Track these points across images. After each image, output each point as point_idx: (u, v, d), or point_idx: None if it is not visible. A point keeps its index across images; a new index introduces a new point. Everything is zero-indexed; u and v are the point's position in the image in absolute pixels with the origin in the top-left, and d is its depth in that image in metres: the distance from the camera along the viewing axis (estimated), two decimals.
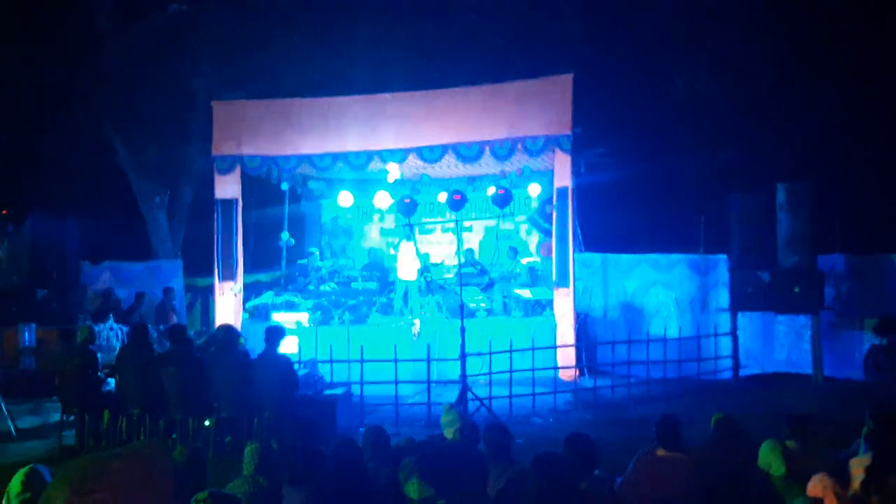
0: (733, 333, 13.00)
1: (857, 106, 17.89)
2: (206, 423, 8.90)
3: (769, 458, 5.58)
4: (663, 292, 14.17)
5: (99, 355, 9.82)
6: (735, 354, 12.93)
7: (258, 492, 4.91)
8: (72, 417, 9.38)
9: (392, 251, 15.14)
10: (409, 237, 14.00)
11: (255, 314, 13.94)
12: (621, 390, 12.10)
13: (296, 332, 12.78)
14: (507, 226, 16.51)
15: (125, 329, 12.73)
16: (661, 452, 5.67)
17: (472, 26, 19.23)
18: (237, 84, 17.70)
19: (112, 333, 13.00)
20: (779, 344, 13.29)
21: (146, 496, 3.18)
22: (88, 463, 3.64)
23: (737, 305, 12.82)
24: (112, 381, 9.42)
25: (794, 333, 13.01)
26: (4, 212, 15.77)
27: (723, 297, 13.44)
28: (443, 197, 14.92)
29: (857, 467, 5.11)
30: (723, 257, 13.54)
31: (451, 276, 14.83)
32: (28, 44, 17.36)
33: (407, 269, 14.19)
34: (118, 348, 10.61)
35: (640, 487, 5.53)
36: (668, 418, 5.84)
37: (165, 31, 18.23)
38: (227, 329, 9.57)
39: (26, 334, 13.29)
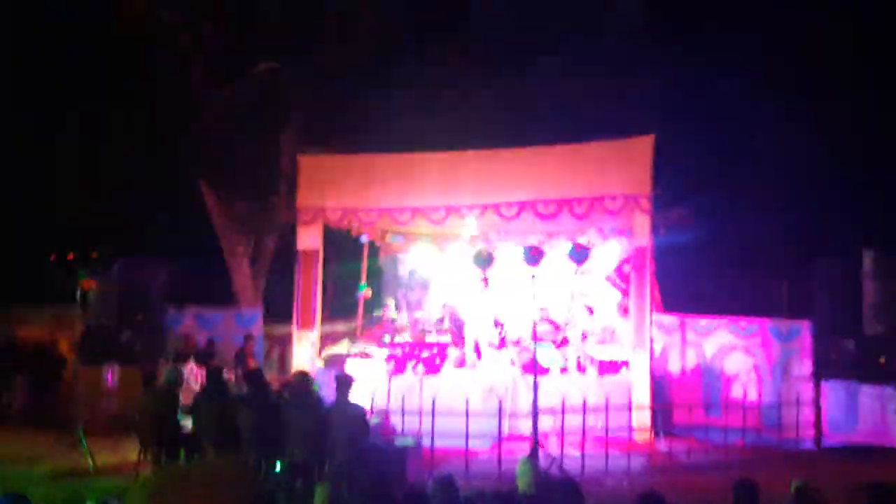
0: (816, 402, 12.57)
1: None
2: (279, 466, 8.97)
3: None
4: (742, 357, 13.81)
5: (180, 397, 10.02)
6: (818, 423, 12.49)
7: None
8: (149, 457, 9.55)
9: (467, 304, 15.14)
10: (485, 291, 14.01)
11: (331, 363, 14.08)
12: (698, 455, 11.76)
13: (369, 382, 12.88)
14: (585, 284, 16.36)
15: (203, 372, 12.98)
16: None
17: (554, 84, 19.37)
18: (323, 139, 18.14)
19: (192, 376, 13.25)
20: (863, 415, 12.77)
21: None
22: (168, 472, 3.72)
23: (820, 373, 12.43)
24: (189, 423, 9.59)
25: (879, 404, 12.50)
26: (95, 254, 16.40)
27: (805, 365, 13.04)
28: (520, 253, 14.92)
29: None
30: (806, 323, 13.16)
31: (525, 331, 14.74)
32: (130, 100, 18.23)
33: (481, 322, 14.18)
34: (196, 391, 10.80)
35: None
36: (745, 483, 5.68)
37: (256, 88, 18.88)
38: (303, 375, 9.67)
39: (110, 374, 13.68)
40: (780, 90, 18.97)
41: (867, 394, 12.70)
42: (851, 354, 11.87)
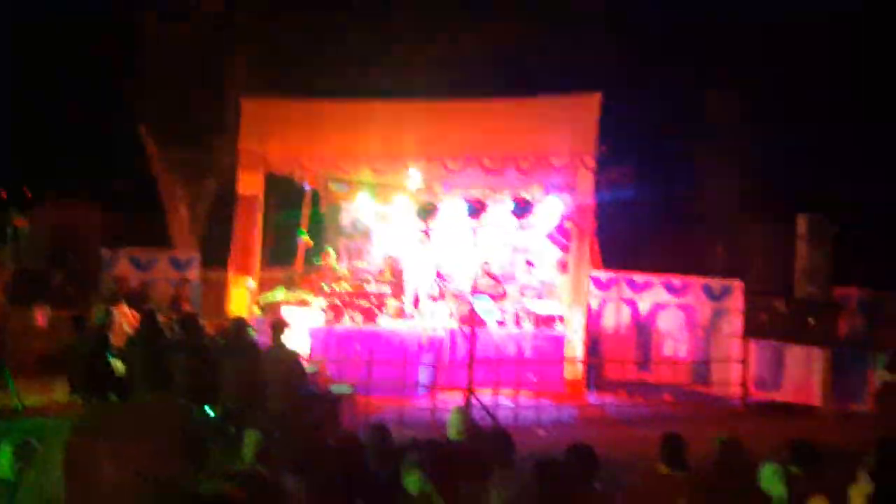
0: (744, 360, 12.89)
1: (885, 141, 17.77)
2: (212, 412, 8.90)
3: (771, 481, 5.52)
4: (676, 314, 14.07)
5: (110, 340, 9.86)
6: (744, 381, 12.82)
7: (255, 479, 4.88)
8: (89, 403, 9.40)
9: (408, 255, 15.11)
10: (426, 243, 13.99)
11: (268, 309, 13.95)
12: (628, 409, 12.02)
13: (306, 329, 12.83)
14: (526, 239, 16.44)
15: (137, 316, 12.77)
16: (663, 470, 5.63)
17: (501, 38, 19.25)
18: (267, 82, 17.79)
19: (125, 319, 13.02)
20: (789, 374, 13.15)
21: (152, 445, 3.15)
22: (96, 411, 3.64)
23: (749, 332, 12.72)
24: (121, 366, 9.45)
25: (805, 364, 12.87)
26: (28, 194, 15.96)
27: (735, 324, 13.33)
28: (463, 206, 14.91)
29: (857, 495, 5.05)
30: (738, 283, 13.43)
31: (465, 284, 14.79)
32: (64, 28, 17.61)
33: (421, 273, 14.18)
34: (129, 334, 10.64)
35: (639, 502, 5.49)
36: (672, 437, 5.79)
37: (201, 27, 18.40)
38: (238, 321, 9.59)
39: (40, 314, 13.37)
40: (726, 55, 19.12)
41: (794, 354, 13.05)
42: (781, 315, 12.15)
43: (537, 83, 16.06)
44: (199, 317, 10.35)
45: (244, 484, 3.15)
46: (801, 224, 12.23)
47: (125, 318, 12.20)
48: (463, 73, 18.28)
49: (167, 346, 9.18)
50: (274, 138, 14.21)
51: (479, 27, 19.20)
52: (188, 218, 19.11)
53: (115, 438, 3.17)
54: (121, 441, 3.16)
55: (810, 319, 11.86)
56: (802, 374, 12.92)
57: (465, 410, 6.69)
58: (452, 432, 6.05)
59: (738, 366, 12.95)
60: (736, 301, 13.44)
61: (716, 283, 14.03)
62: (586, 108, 13.45)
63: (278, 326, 9.07)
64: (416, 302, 14.18)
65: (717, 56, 19.15)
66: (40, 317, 13.40)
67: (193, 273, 15.84)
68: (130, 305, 12.96)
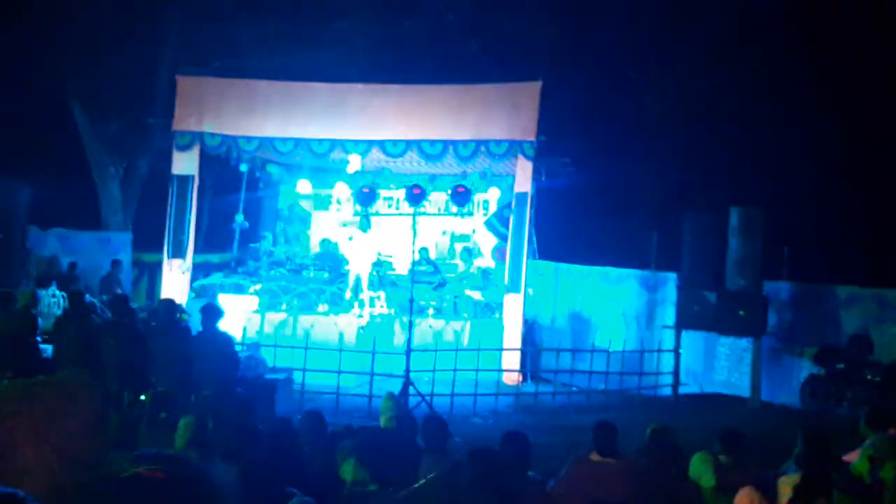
0: (676, 351, 13.13)
1: (816, 138, 18.24)
2: (142, 397, 8.75)
3: (700, 469, 5.64)
4: (611, 305, 14.29)
5: (39, 321, 9.62)
6: (676, 371, 13.07)
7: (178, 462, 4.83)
8: (4, 381, 9.15)
9: (346, 242, 15.04)
10: (365, 228, 13.95)
11: (202, 294, 13.78)
12: (562, 398, 12.18)
13: (242, 315, 12.70)
14: (464, 227, 16.51)
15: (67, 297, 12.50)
16: (595, 458, 5.70)
17: (444, 25, 19.24)
18: (204, 60, 17.49)
19: (54, 301, 12.72)
20: (720, 365, 13.47)
21: (69, 423, 3.10)
22: (10, 389, 3.54)
23: (682, 323, 12.97)
24: (49, 348, 9.23)
25: (735, 356, 13.19)
26: None
27: (669, 315, 13.58)
28: (402, 192, 14.88)
29: (786, 486, 5.19)
30: (672, 275, 13.68)
31: (404, 271, 14.79)
32: None
33: (359, 260, 14.14)
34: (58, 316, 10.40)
35: (572, 490, 5.56)
36: (605, 424, 5.88)
37: (135, 2, 17.98)
38: (169, 303, 9.43)
39: None
40: (663, 48, 19.41)
41: (725, 345, 13.38)
42: (712, 306, 12.40)
43: (479, 70, 16.12)
44: (130, 299, 10.15)
45: (165, 468, 3.11)
46: (734, 216, 12.47)
47: (54, 300, 11.92)
48: (404, 57, 18.24)
49: (97, 329, 8.98)
50: (210, 117, 14.00)
51: (421, 11, 19.14)
52: (121, 198, 18.69)
53: (32, 416, 3.10)
54: (38, 419, 3.10)
55: (740, 311, 12.12)
56: (733, 365, 13.25)
57: (396, 397, 6.69)
58: (383, 420, 6.07)
59: (670, 356, 13.20)
60: (669, 292, 13.70)
61: (650, 274, 14.28)
62: (527, 97, 13.56)
63: (210, 312, 8.93)
64: (355, 288, 14.13)
65: (655, 48, 19.43)
66: None
67: (125, 254, 15.55)
68: (60, 287, 12.67)
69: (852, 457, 5.72)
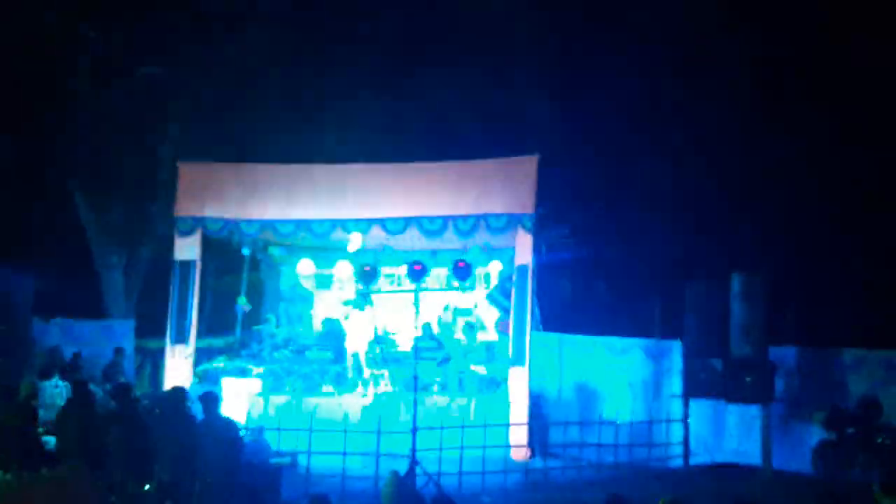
0: (685, 420, 13.05)
1: (815, 200, 18.41)
2: (147, 487, 8.75)
3: None
4: (617, 375, 14.27)
5: (41, 412, 9.66)
6: (686, 441, 12.97)
7: None
8: (9, 475, 9.15)
9: (349, 320, 15.12)
10: (361, 306, 14.06)
11: (205, 378, 13.81)
12: (572, 472, 12.08)
13: (246, 398, 12.72)
14: (467, 302, 16.59)
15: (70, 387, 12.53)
16: None
17: (441, 102, 19.65)
18: (204, 147, 17.83)
19: (57, 391, 12.73)
20: (729, 433, 13.36)
21: None
22: (10, 483, 3.62)
23: (689, 392, 12.93)
24: (52, 440, 9.25)
25: (745, 423, 13.09)
26: None
27: (676, 384, 13.55)
28: (403, 269, 15.02)
29: None
30: (677, 343, 13.68)
31: (407, 348, 14.83)
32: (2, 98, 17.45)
33: (359, 338, 14.20)
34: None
35: None
36: (616, 499, 5.89)
37: (136, 93, 18.40)
38: (177, 390, 9.48)
39: None
40: (658, 118, 19.76)
41: (733, 413, 13.27)
42: (719, 374, 12.37)
43: (477, 145, 16.41)
44: (133, 387, 10.20)
45: None
46: (736, 283, 12.53)
47: (57, 391, 11.96)
48: (402, 135, 18.60)
49: (100, 418, 9.02)
50: (211, 202, 14.23)
51: (419, 92, 19.57)
52: (123, 285, 18.85)
53: None
54: None
55: (747, 378, 12.10)
56: (742, 433, 13.16)
57: (396, 479, 6.66)
58: (385, 500, 6.10)
59: (679, 426, 13.13)
60: (675, 361, 13.69)
61: (654, 343, 14.30)
62: (524, 170, 13.79)
63: (209, 399, 8.98)
64: (356, 367, 14.16)
65: (648, 117, 19.78)
66: None
67: (128, 342, 15.62)
68: (63, 377, 12.71)
69: None
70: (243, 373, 13.93)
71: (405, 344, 15.31)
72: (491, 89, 19.90)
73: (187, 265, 14.18)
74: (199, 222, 14.19)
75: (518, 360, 13.49)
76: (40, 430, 9.31)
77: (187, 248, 14.23)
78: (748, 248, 17.93)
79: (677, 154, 19.65)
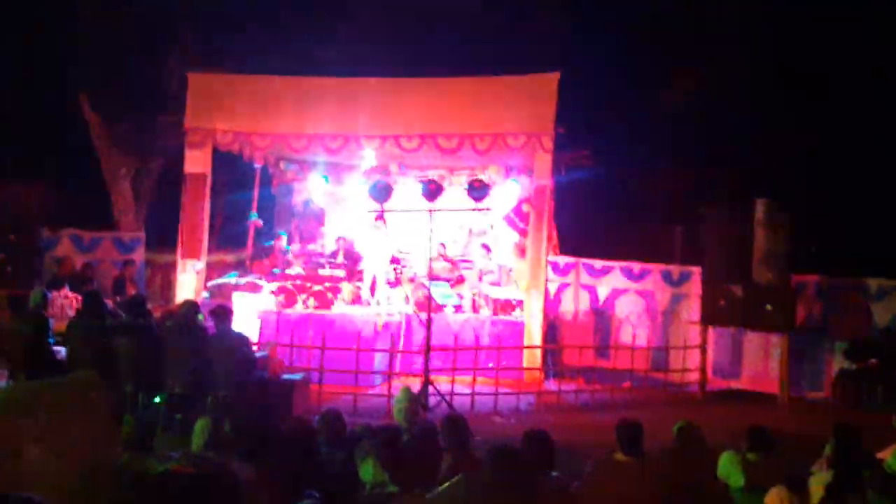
0: (702, 347, 13.08)
1: (842, 128, 18.06)
2: (157, 399, 8.80)
3: (728, 469, 5.62)
4: (635, 300, 14.23)
5: (51, 322, 9.68)
6: (703, 368, 13.02)
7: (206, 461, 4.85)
8: (13, 382, 9.22)
9: (363, 238, 15.05)
10: (381, 225, 13.96)
11: (217, 293, 13.81)
12: (585, 396, 12.15)
13: (258, 314, 12.74)
14: (482, 223, 16.47)
15: (80, 298, 12.57)
16: (619, 457, 5.67)
17: (459, 15, 19.19)
18: (216, 56, 17.54)
19: (67, 302, 12.81)
20: (747, 360, 13.38)
21: (78, 425, 3.13)
22: (17, 390, 3.58)
23: (708, 319, 12.90)
24: (64, 350, 9.29)
25: (763, 351, 13.11)
26: None
27: (694, 310, 13.52)
28: (418, 187, 14.86)
29: (817, 484, 5.16)
30: (697, 269, 13.61)
31: (421, 268, 14.78)
32: (11, 15, 17.16)
33: (376, 257, 14.15)
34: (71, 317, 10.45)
35: (596, 490, 5.54)
36: (629, 423, 5.84)
37: (146, 1, 18.05)
38: (189, 304, 9.47)
39: None
40: (686, 39, 19.27)
41: (752, 340, 13.29)
42: (739, 301, 12.32)
43: (496, 61, 16.05)
44: (144, 299, 10.20)
45: (193, 465, 3.14)
46: (759, 209, 12.37)
47: (68, 302, 12.00)
48: (418, 49, 18.21)
49: (111, 329, 9.03)
50: (222, 115, 14.07)
51: (436, 4, 19.11)
52: (132, 197, 18.78)
53: (37, 418, 3.13)
54: (44, 420, 3.12)
55: (768, 306, 12.04)
56: (760, 361, 13.16)
57: (411, 394, 6.64)
58: (398, 416, 6.11)
59: (696, 352, 13.14)
60: (694, 287, 13.63)
61: (674, 268, 14.22)
62: (544, 88, 13.51)
63: (221, 314, 8.97)
64: (372, 287, 14.15)
65: (676, 37, 19.31)
66: None
67: (138, 255, 15.65)
68: (73, 288, 12.76)
69: (886, 454, 5.68)
70: (255, 288, 13.92)
71: (419, 264, 15.26)
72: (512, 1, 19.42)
73: (198, 178, 14.10)
74: (209, 134, 14.05)
75: (534, 282, 13.45)
76: (51, 340, 9.33)
77: (198, 161, 14.11)
78: (772, 174, 17.66)
79: (703, 75, 19.21)
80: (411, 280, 14.45)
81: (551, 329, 13.82)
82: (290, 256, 14.99)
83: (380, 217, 13.76)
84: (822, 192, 17.59)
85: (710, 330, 13.16)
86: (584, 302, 14.83)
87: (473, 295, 14.39)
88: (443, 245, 15.49)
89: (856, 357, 11.94)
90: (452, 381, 11.21)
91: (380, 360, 11.93)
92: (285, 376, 9.92)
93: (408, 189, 15.85)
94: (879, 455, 5.79)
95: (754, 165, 18.09)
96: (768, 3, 18.52)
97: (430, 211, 11.83)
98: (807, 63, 18.23)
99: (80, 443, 3.20)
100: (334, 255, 15.17)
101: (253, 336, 10.87)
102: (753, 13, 18.80)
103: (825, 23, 17.83)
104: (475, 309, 14.21)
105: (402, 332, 12.93)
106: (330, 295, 13.69)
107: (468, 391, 11.10)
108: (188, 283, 13.87)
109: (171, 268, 14.58)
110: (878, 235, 17.03)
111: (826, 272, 13.36)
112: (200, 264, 14.05)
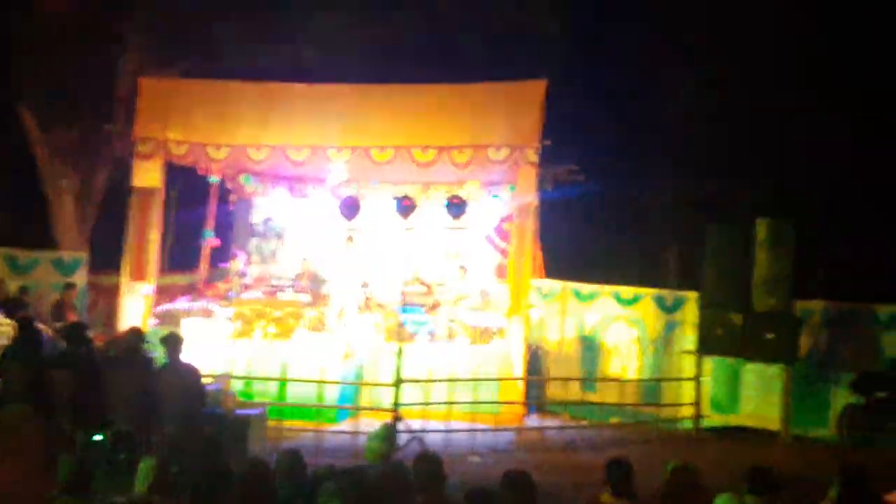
0: (697, 379, 13.11)
1: (851, 145, 18.26)
2: (99, 436, 8.69)
3: None
4: (625, 328, 14.27)
5: None
6: (697, 402, 13.05)
7: None
8: None
9: (329, 260, 15.02)
10: (349, 245, 13.95)
11: (166, 320, 13.72)
12: (571, 432, 12.15)
13: (211, 343, 12.67)
14: (461, 243, 16.46)
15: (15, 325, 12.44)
16: (608, 499, 5.68)
17: (437, 17, 19.28)
18: (170, 60, 17.52)
19: (0, 330, 12.68)
20: (746, 394, 13.42)
21: (8, 465, 3.10)
22: None
23: (704, 348, 12.95)
24: None
25: (763, 384, 13.15)
26: None
27: (689, 339, 13.56)
28: (391, 203, 14.85)
29: None
30: (693, 294, 13.67)
31: (393, 293, 14.76)
32: None
33: (344, 281, 14.12)
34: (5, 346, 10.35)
35: None
36: (618, 462, 5.85)
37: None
38: (135, 332, 9.41)
39: None
40: (682, 49, 19.46)
41: (752, 372, 13.33)
42: (738, 329, 12.37)
43: (477, 67, 16.13)
44: (85, 327, 10.11)
45: None
46: (761, 229, 12.45)
47: (1, 328, 11.87)
48: (393, 54, 18.26)
49: (48, 360, 8.94)
50: (176, 123, 14.02)
51: (413, 4, 19.20)
52: (75, 214, 18.65)
53: None
54: None
55: (769, 335, 12.10)
56: (760, 394, 13.21)
57: (390, 430, 6.65)
58: (370, 457, 6.07)
59: (691, 385, 13.18)
60: (690, 313, 13.68)
61: (668, 293, 14.27)
62: (530, 97, 13.56)
63: (172, 342, 8.90)
64: (338, 313, 14.10)
65: (671, 46, 19.50)
66: None
67: (80, 277, 15.54)
68: (7, 313, 12.62)
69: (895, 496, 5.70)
70: (209, 314, 13.85)
71: (391, 288, 15.23)
72: (494, 3, 19.53)
73: (147, 193, 14.04)
74: (161, 145, 13.98)
75: (516, 308, 13.44)
76: None
77: (147, 174, 14.04)
78: (775, 192, 17.82)
79: (699, 85, 19.39)
80: (381, 305, 14.42)
81: (534, 359, 13.80)
82: (247, 279, 14.92)
83: (349, 238, 13.77)
84: (828, 212, 17.76)
85: (707, 360, 13.19)
86: (571, 329, 14.83)
87: (449, 322, 14.36)
88: (416, 267, 15.47)
89: (863, 390, 12.01)
90: (425, 417, 11.18)
91: (345, 394, 11.87)
92: (240, 411, 9.83)
93: (380, 205, 15.90)
94: (888, 497, 5.81)
95: (757, 182, 18.26)
96: (768, 8, 18.75)
97: (404, 230, 11.84)
98: (808, 70, 18.45)
99: (9, 485, 3.17)
100: (297, 278, 15.10)
101: (205, 367, 10.79)
102: (754, 17, 19.03)
103: (825, 22, 18.07)
104: (451, 337, 14.18)
105: (371, 364, 12.88)
106: (291, 322, 13.62)
107: (442, 428, 11.08)
108: (134, 308, 13.76)
109: (115, 291, 14.46)
110: (888, 258, 17.21)
111: (832, 298, 13.45)
112: (149, 288, 13.95)
